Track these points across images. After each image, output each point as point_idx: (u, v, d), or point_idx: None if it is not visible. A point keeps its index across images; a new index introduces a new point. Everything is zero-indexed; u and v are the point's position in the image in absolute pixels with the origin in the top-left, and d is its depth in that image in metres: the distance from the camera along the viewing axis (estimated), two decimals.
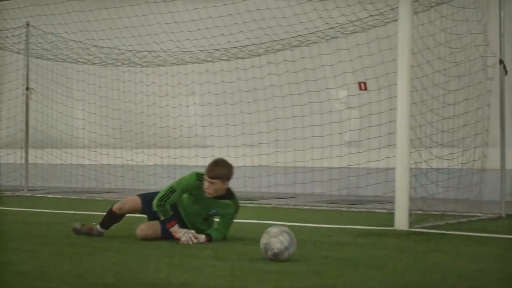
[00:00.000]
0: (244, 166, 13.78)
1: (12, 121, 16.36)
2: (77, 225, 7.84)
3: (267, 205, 12.21)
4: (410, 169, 9.06)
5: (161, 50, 12.91)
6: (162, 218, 7.31)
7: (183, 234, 7.20)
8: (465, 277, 5.55)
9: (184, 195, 7.46)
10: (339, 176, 12.97)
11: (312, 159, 12.98)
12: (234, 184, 13.86)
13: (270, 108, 13.43)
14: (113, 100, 15.27)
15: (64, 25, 12.85)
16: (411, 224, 8.88)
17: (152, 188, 14.06)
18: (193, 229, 7.39)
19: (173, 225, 7.26)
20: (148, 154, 14.67)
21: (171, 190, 7.29)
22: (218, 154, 13.94)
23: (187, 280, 5.28)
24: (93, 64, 13.86)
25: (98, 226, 7.68)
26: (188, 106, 14.34)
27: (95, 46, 13.26)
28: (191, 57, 13.06)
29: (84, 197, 13.64)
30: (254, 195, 13.63)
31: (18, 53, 15.54)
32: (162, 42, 12.48)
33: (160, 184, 14.17)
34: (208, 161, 14.16)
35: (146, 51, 13.07)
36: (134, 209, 7.53)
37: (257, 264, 6.01)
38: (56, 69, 15.59)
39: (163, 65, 13.73)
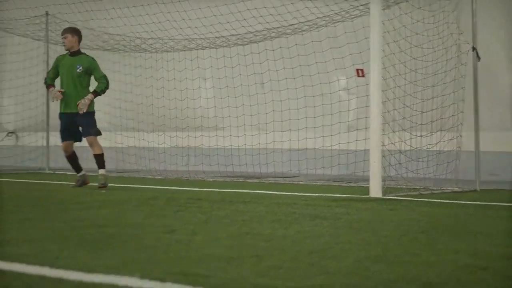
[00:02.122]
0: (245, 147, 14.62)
1: (33, 104, 17.07)
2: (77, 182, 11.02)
3: (265, 181, 13.06)
4: (386, 149, 10.01)
5: (166, 38, 13.86)
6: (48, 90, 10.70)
7: (52, 92, 10.48)
8: (398, 227, 6.34)
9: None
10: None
11: (306, 138, 13.79)
12: (235, 161, 14.61)
13: (268, 91, 14.27)
14: (126, 85, 16.05)
15: (77, 14, 13.79)
16: (384, 193, 9.68)
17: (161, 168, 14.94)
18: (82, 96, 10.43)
19: (49, 89, 10.59)
20: (158, 135, 15.53)
21: (47, 72, 10.94)
22: (221, 134, 14.80)
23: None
24: (105, 50, 14.79)
25: (77, 175, 11.00)
26: (194, 89, 15.20)
27: (107, 33, 14.19)
28: (193, 43, 13.97)
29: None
30: (255, 174, 14.45)
31: (39, 40, 16.29)
32: (166, 30, 13.42)
33: (169, 162, 15.06)
34: (212, 141, 14.93)
35: (152, 38, 13.99)
36: (67, 144, 10.98)
37: (230, 214, 7.05)
38: None
39: (170, 51, 14.65)
